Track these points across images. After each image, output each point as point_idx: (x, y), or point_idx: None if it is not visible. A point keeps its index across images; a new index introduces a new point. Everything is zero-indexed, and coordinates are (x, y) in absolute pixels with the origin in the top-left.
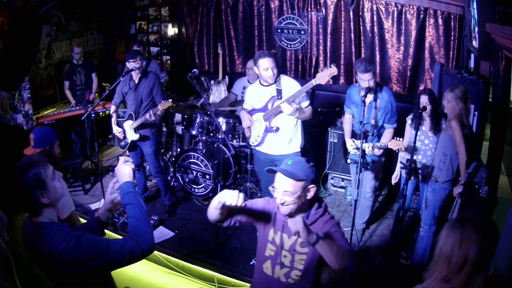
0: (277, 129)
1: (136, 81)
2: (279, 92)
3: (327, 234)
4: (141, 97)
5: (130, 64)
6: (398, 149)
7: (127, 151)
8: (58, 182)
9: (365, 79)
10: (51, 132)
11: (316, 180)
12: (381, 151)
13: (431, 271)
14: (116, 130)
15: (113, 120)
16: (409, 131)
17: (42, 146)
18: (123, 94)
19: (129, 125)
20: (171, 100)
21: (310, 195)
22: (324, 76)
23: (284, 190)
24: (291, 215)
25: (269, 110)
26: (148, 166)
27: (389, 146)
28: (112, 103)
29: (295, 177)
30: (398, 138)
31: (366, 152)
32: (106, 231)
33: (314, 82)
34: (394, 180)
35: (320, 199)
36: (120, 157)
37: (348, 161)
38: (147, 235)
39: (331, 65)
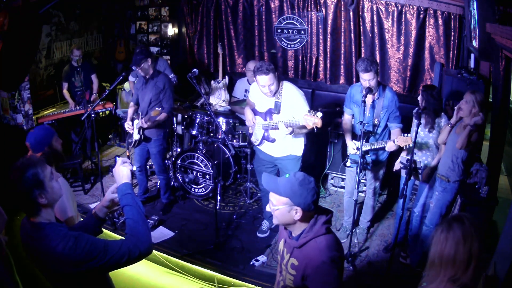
0: (273, 140)
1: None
2: (277, 105)
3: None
4: (149, 97)
5: (137, 71)
6: (407, 146)
7: (132, 148)
8: (56, 182)
9: (365, 79)
10: (44, 131)
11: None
12: (394, 144)
13: (431, 275)
14: (127, 126)
15: (129, 116)
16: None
17: (40, 149)
18: (137, 91)
19: (135, 124)
20: (159, 108)
21: (296, 216)
22: (309, 121)
23: (271, 199)
24: (288, 228)
25: (267, 122)
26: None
27: (397, 143)
28: (131, 99)
29: (276, 191)
30: (405, 134)
31: (387, 149)
32: (106, 231)
33: (299, 122)
34: (396, 167)
35: (322, 218)
36: (117, 158)
37: (348, 163)
38: (145, 237)
39: (317, 114)
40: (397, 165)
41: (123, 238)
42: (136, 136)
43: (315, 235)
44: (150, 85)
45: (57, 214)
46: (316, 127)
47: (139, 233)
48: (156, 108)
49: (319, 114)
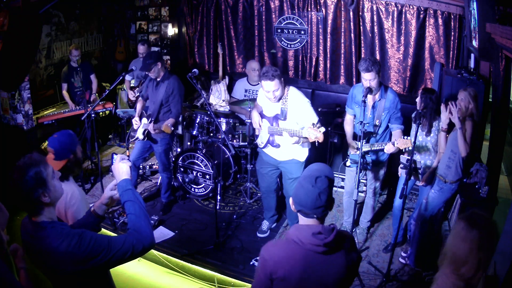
0: (278, 146)
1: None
2: (283, 112)
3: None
4: (160, 99)
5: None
6: (406, 148)
7: (133, 142)
8: (57, 181)
9: (366, 79)
10: (69, 138)
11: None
12: (393, 146)
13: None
14: (135, 121)
15: (137, 111)
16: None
17: (66, 156)
18: (146, 89)
19: (143, 123)
20: (172, 128)
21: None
22: (312, 134)
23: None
24: None
25: (273, 127)
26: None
27: (396, 145)
28: (140, 95)
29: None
30: (405, 137)
31: (386, 151)
32: (106, 231)
33: (302, 133)
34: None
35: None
36: (114, 155)
37: (348, 163)
38: (148, 231)
39: (320, 129)
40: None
41: (126, 233)
42: (140, 136)
43: (287, 234)
44: (162, 88)
45: (69, 220)
46: (318, 141)
47: (141, 228)
48: (169, 125)
49: (322, 129)
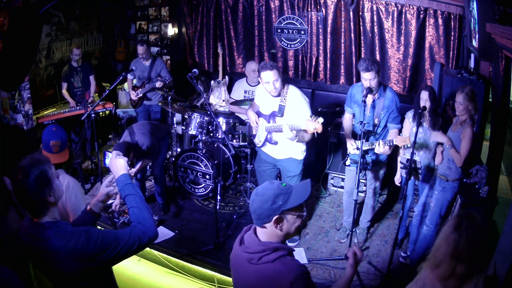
0: (276, 143)
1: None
2: (281, 109)
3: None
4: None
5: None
6: (404, 146)
7: None
8: (58, 180)
9: (366, 78)
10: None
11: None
12: (388, 148)
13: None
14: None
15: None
16: (408, 127)
17: (67, 145)
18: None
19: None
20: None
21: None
22: (310, 126)
23: None
24: None
25: (270, 125)
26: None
27: (395, 143)
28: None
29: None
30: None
31: (376, 151)
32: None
33: (301, 126)
34: (397, 182)
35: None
36: (107, 152)
37: (347, 162)
38: (152, 222)
39: (318, 120)
40: (397, 180)
41: (130, 226)
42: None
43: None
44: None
45: (70, 212)
46: (317, 132)
47: (145, 220)
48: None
49: (320, 120)
